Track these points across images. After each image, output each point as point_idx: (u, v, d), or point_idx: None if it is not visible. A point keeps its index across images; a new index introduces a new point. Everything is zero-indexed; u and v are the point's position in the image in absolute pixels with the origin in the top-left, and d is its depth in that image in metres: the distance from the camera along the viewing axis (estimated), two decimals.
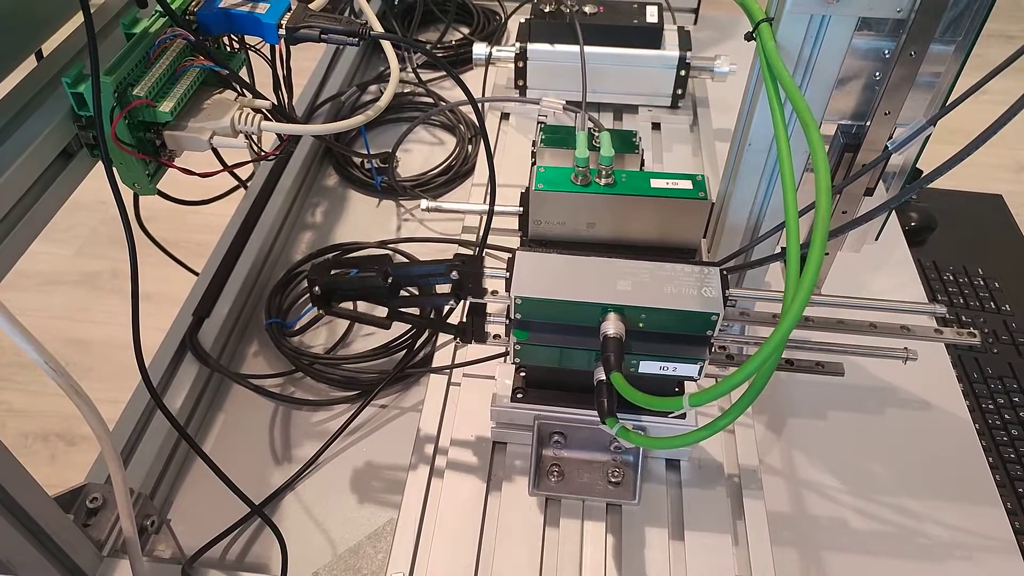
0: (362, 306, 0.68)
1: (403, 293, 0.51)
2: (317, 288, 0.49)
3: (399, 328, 0.67)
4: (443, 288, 0.50)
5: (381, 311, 0.52)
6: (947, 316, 0.53)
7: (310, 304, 0.51)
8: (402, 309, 0.52)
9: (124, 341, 0.51)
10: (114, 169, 0.47)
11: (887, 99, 0.49)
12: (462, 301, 0.51)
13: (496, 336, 0.53)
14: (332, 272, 0.50)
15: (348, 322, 0.72)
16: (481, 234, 0.70)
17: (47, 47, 0.50)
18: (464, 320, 0.52)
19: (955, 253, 1.02)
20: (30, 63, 0.48)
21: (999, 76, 0.42)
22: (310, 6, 0.53)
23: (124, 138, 0.47)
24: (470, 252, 0.74)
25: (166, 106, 0.48)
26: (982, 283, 0.98)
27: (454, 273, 0.48)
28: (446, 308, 0.60)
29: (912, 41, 0.46)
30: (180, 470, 0.62)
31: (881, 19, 0.47)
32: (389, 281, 0.49)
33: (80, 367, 1.48)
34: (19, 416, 1.42)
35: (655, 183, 0.56)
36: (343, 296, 0.51)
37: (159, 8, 0.49)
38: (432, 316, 0.60)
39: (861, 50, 0.49)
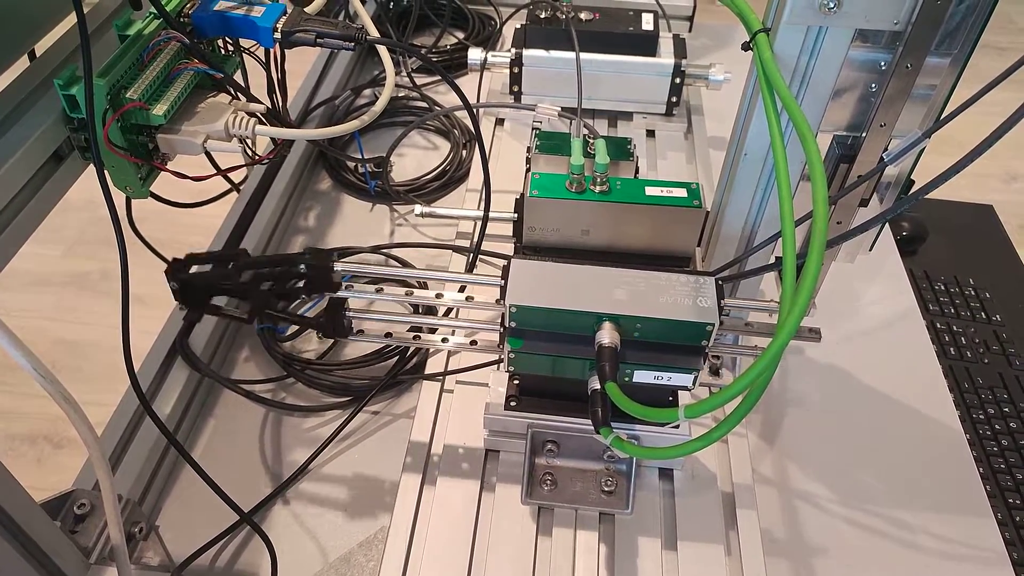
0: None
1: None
2: (176, 285, 0.49)
3: None
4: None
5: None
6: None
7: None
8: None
9: (113, 343, 0.50)
10: (106, 172, 0.47)
11: (883, 111, 0.49)
12: (317, 295, 0.51)
13: (360, 331, 0.53)
14: (191, 271, 0.50)
15: None
16: (475, 240, 0.69)
17: (39, 47, 0.49)
18: (324, 315, 0.52)
19: (946, 263, 1.03)
20: (22, 63, 0.48)
21: (991, 88, 0.42)
22: (306, 10, 0.53)
23: (116, 141, 0.47)
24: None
25: (159, 109, 0.47)
26: (973, 293, 0.98)
27: (302, 267, 0.48)
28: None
29: (908, 53, 0.46)
30: (169, 476, 0.61)
31: (878, 31, 0.47)
32: (244, 276, 0.49)
33: (68, 368, 1.47)
34: (5, 418, 1.41)
35: (650, 191, 0.56)
36: (204, 292, 0.51)
37: (153, 10, 0.49)
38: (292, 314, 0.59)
39: (857, 62, 0.49)
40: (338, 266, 0.49)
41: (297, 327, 0.71)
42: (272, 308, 0.52)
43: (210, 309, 0.52)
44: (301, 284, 0.50)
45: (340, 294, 0.50)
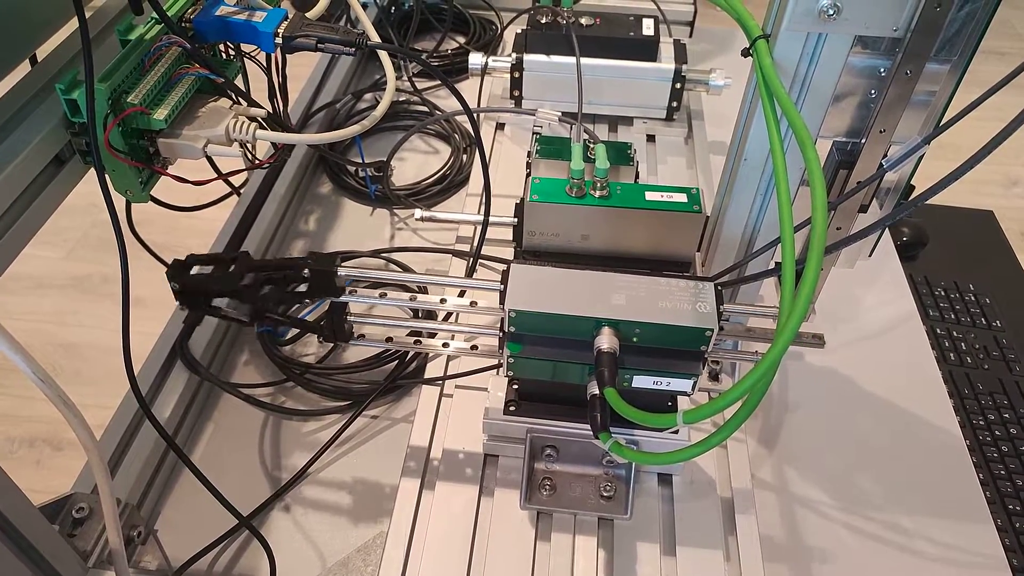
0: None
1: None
2: (177, 285, 0.49)
3: None
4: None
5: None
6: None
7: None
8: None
9: (113, 346, 0.50)
10: (106, 176, 0.47)
11: (882, 117, 0.49)
12: (319, 300, 0.51)
13: (361, 336, 0.53)
14: (192, 273, 0.50)
15: None
16: (475, 244, 0.69)
17: (41, 52, 0.49)
18: (325, 319, 0.52)
19: (946, 268, 1.03)
20: (24, 68, 0.48)
21: (991, 94, 0.42)
22: (306, 15, 0.53)
23: (117, 145, 0.47)
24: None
25: (160, 114, 0.48)
26: (973, 299, 0.98)
27: (305, 271, 0.48)
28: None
29: (908, 60, 0.46)
30: (168, 480, 0.61)
31: (877, 38, 0.47)
32: (246, 278, 0.49)
33: (69, 371, 1.47)
34: (5, 420, 1.41)
35: (650, 196, 0.56)
36: (204, 294, 0.51)
37: (155, 15, 0.49)
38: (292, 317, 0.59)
39: (857, 68, 0.49)
40: (341, 271, 0.49)
41: (297, 331, 0.71)
42: (272, 311, 0.52)
43: (210, 311, 0.52)
44: (303, 288, 0.50)
45: (343, 298, 0.50)
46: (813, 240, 0.38)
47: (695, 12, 1.09)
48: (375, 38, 0.53)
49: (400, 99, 0.98)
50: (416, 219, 0.70)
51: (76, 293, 1.64)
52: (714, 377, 0.65)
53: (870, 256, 0.60)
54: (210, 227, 0.80)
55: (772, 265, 0.59)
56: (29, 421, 1.40)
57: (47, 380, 0.37)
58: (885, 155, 0.51)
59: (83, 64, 0.42)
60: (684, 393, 0.50)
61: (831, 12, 0.43)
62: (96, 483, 0.44)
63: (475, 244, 0.70)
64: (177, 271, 0.49)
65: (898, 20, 0.44)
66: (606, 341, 0.46)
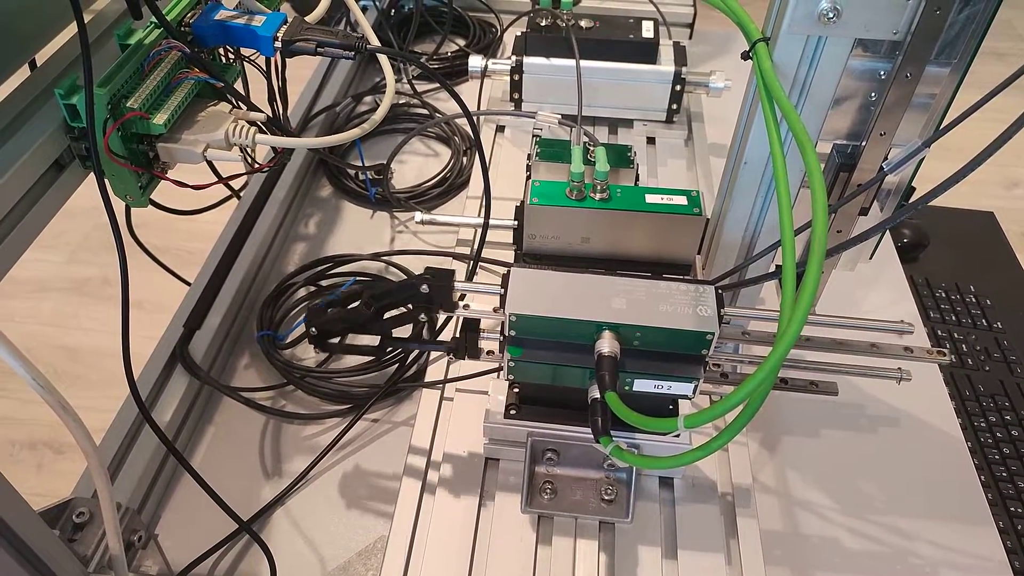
0: None
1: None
2: (314, 330, 0.50)
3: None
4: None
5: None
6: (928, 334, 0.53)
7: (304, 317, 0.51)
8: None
9: (114, 349, 0.50)
10: (106, 180, 0.47)
11: (883, 120, 0.49)
12: (433, 315, 0.51)
13: (490, 352, 0.53)
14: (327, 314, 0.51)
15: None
16: (475, 247, 0.69)
17: (40, 57, 0.49)
18: (457, 337, 0.52)
19: (947, 270, 1.03)
20: (23, 73, 0.48)
21: (991, 97, 0.42)
22: (306, 19, 0.53)
23: (117, 150, 0.47)
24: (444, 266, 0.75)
25: (160, 118, 0.48)
26: (974, 300, 0.98)
27: (424, 287, 0.48)
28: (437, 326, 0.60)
29: (908, 62, 0.46)
30: (168, 484, 0.61)
31: (877, 40, 0.47)
32: (372, 309, 0.49)
33: (69, 375, 1.47)
34: (6, 424, 1.41)
35: (650, 198, 0.56)
36: (337, 333, 0.52)
37: (154, 20, 0.49)
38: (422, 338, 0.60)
39: (857, 71, 0.49)
40: (458, 285, 0.49)
41: (299, 334, 0.71)
42: (390, 334, 0.52)
43: (344, 349, 0.55)
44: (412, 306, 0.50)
45: (468, 314, 0.50)
46: (813, 243, 0.38)
47: (695, 14, 1.08)
48: (374, 41, 0.53)
49: (400, 102, 0.98)
50: (416, 222, 0.70)
51: (77, 296, 1.64)
52: (724, 375, 0.64)
53: (871, 258, 0.60)
54: (210, 230, 0.80)
55: (773, 268, 0.59)
56: (30, 424, 1.40)
57: (46, 385, 0.37)
58: (886, 158, 0.51)
59: (82, 69, 0.42)
60: (685, 397, 0.50)
61: (831, 15, 0.43)
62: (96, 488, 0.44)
63: (475, 247, 0.70)
64: (316, 315, 0.50)
65: (898, 23, 0.44)
66: (607, 345, 0.46)
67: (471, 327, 0.51)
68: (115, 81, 0.45)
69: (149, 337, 0.68)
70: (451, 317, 0.52)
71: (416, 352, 0.68)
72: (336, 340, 0.52)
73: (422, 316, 0.51)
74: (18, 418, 1.41)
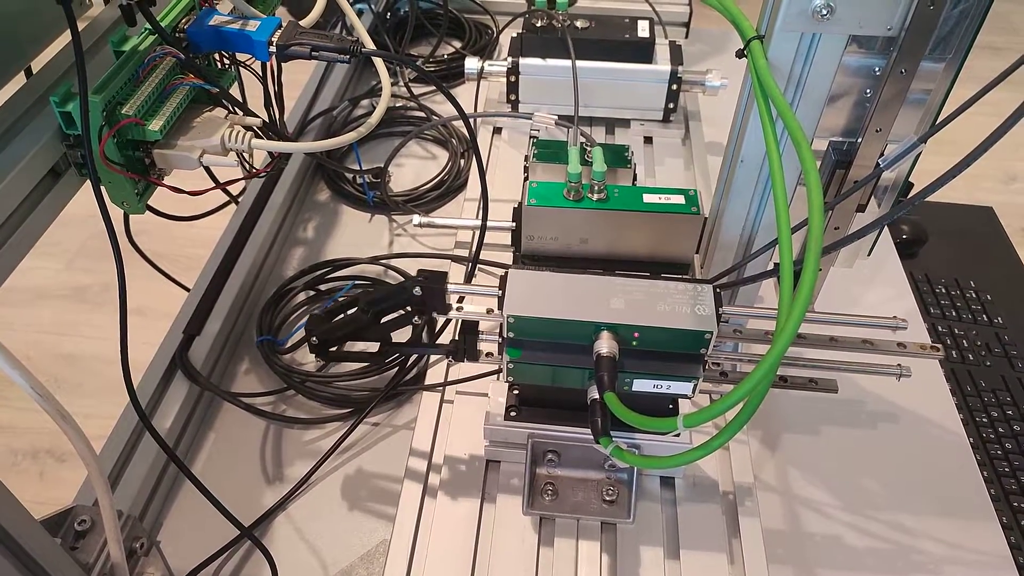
0: None
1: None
2: (315, 339, 0.50)
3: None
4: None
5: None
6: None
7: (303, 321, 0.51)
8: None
9: (113, 356, 0.50)
10: (102, 188, 0.47)
11: (878, 116, 0.49)
12: (427, 319, 0.51)
13: (489, 354, 0.53)
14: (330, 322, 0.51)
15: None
16: (474, 249, 0.69)
17: (36, 64, 0.49)
18: (456, 339, 0.52)
19: (947, 265, 1.03)
20: (18, 80, 0.48)
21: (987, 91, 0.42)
22: (301, 23, 0.53)
23: (113, 157, 0.47)
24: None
25: (155, 125, 0.48)
26: (974, 295, 0.98)
27: (417, 290, 0.48)
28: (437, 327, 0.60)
29: (902, 58, 0.46)
30: (170, 491, 0.61)
31: (871, 37, 0.47)
32: (369, 314, 0.49)
33: (69, 383, 1.47)
34: (7, 432, 1.41)
35: (647, 198, 0.56)
36: (337, 340, 0.52)
37: (148, 26, 0.49)
38: (421, 341, 0.60)
39: (852, 67, 0.49)
40: (451, 287, 0.49)
41: (299, 339, 0.71)
42: (389, 339, 0.53)
43: (344, 356, 0.56)
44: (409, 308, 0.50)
45: (462, 316, 0.50)
46: (810, 241, 0.37)
47: (690, 13, 1.09)
48: (370, 44, 0.53)
49: (397, 105, 0.98)
50: (414, 225, 0.70)
51: (76, 304, 1.64)
52: (724, 374, 0.64)
53: (869, 255, 0.60)
54: (209, 236, 0.80)
55: (771, 266, 0.59)
56: (32, 432, 1.40)
57: (45, 394, 0.37)
58: (882, 154, 0.51)
59: (77, 76, 0.42)
60: (685, 396, 0.50)
61: (824, 12, 0.43)
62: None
63: (473, 249, 0.70)
64: (317, 323, 0.50)
65: (892, 19, 0.44)
66: (605, 345, 0.46)
67: (470, 329, 0.51)
68: (110, 88, 0.45)
69: (149, 343, 0.68)
70: (450, 320, 0.52)
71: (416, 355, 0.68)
72: (336, 348, 0.53)
73: (417, 320, 0.51)
74: (20, 426, 1.41)
